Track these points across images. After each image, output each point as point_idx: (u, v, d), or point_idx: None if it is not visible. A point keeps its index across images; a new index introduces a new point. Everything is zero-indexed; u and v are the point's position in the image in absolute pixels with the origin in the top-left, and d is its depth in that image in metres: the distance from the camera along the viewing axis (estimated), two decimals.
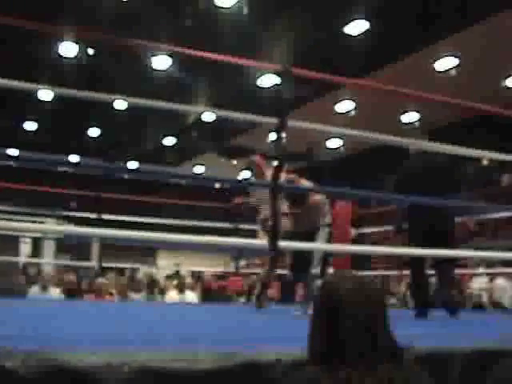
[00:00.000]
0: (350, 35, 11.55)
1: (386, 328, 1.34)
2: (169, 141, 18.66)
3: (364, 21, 11.26)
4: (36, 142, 15.96)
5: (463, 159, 4.79)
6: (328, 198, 5.42)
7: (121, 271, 11.45)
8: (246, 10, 10.82)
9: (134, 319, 4.11)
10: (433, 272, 4.97)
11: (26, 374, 1.49)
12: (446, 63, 12.75)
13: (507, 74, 13.36)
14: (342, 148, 18.11)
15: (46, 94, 11.72)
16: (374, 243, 13.65)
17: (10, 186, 8.49)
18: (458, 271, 10.21)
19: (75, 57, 12.16)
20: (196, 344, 2.09)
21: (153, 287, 8.61)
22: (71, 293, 7.69)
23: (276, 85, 12.99)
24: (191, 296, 8.78)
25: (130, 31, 8.59)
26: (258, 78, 13.29)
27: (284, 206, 5.21)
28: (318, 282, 5.12)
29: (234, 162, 19.36)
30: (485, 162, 15.73)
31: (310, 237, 5.21)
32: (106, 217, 7.64)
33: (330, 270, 5.58)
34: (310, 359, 1.36)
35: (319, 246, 4.86)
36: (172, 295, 8.70)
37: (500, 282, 8.88)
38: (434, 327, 3.92)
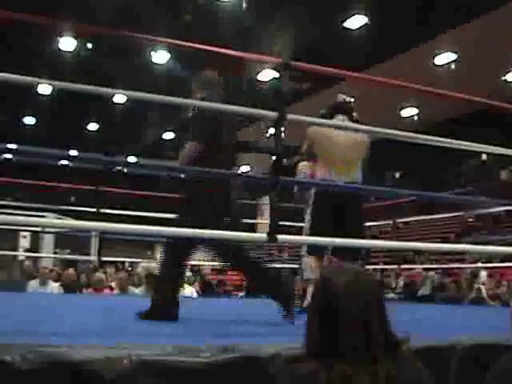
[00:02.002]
0: (349, 29, 11.54)
1: (384, 322, 1.33)
2: (168, 135, 18.62)
3: (363, 16, 11.27)
4: (35, 136, 15.93)
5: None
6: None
7: (120, 265, 11.44)
8: (244, 4, 10.80)
9: (133, 313, 4.10)
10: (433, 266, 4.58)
11: (26, 368, 1.49)
12: (444, 58, 12.73)
13: (506, 69, 13.34)
14: None
15: (45, 88, 11.69)
16: (373, 237, 13.66)
17: (10, 180, 8.46)
18: (457, 266, 10.27)
19: (74, 51, 12.14)
20: (195, 338, 2.09)
21: (152, 281, 8.58)
22: (70, 287, 7.67)
23: (274, 78, 12.98)
24: (190, 290, 8.77)
25: (129, 27, 8.57)
26: (257, 73, 13.27)
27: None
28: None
29: None
30: (483, 157, 15.74)
31: None
32: (105, 211, 7.59)
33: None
34: (308, 354, 1.35)
35: (321, 240, 4.62)
36: None
37: None
38: (433, 321, 3.92)
